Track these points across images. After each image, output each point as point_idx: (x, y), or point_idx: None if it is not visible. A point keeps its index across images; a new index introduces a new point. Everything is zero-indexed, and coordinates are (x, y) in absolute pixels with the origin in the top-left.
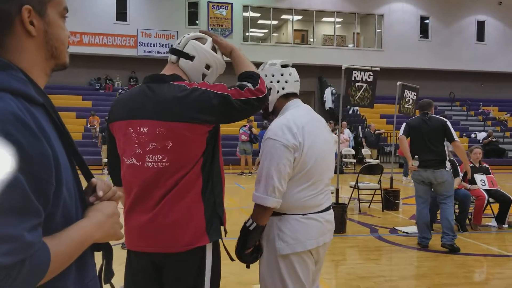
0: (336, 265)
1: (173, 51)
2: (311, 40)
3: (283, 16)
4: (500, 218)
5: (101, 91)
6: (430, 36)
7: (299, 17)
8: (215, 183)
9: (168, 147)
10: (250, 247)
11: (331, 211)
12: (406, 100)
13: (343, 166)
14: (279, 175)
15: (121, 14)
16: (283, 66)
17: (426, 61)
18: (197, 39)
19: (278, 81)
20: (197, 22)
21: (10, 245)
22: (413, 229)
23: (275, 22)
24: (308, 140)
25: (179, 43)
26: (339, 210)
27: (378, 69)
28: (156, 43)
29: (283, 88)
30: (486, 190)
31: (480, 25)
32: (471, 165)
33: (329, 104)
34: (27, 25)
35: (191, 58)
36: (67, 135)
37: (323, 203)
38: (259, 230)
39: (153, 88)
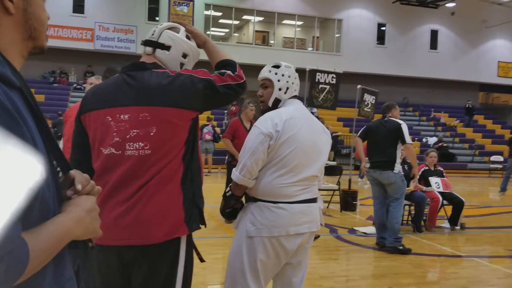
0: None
1: (148, 42)
2: (272, 41)
3: (245, 17)
4: (453, 220)
5: (54, 84)
6: (387, 43)
7: (261, 18)
8: (194, 174)
9: (152, 133)
10: (228, 209)
11: (311, 204)
12: (366, 103)
13: None
14: (252, 158)
15: (78, 7)
16: (296, 71)
17: (382, 66)
18: (170, 28)
19: (292, 83)
20: (157, 18)
21: None
22: (371, 229)
23: (236, 22)
24: (288, 131)
25: (152, 34)
26: None
27: (341, 72)
28: (114, 38)
29: (295, 90)
30: (440, 193)
31: (434, 34)
32: (427, 168)
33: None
34: (5, 1)
35: (167, 48)
36: (44, 121)
37: (297, 195)
38: (234, 198)
39: (135, 75)
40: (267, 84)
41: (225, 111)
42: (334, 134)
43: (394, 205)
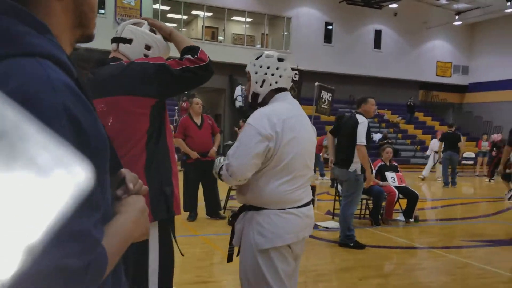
0: None
1: (112, 39)
2: (221, 38)
3: (194, 12)
4: (408, 213)
5: None
6: (334, 42)
7: (210, 14)
8: (160, 162)
9: (109, 124)
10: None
11: (311, 206)
12: (323, 100)
13: None
14: (246, 156)
15: None
16: (280, 60)
17: (329, 65)
18: (134, 24)
19: (272, 74)
20: (102, 11)
21: (80, 244)
22: (332, 224)
23: (185, 17)
24: (288, 133)
25: (117, 31)
26: None
27: (304, 69)
28: None
29: (276, 82)
30: (396, 187)
31: (378, 33)
32: (383, 163)
33: (239, 102)
34: None
35: (129, 41)
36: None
37: (302, 198)
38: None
39: (95, 72)
40: (248, 77)
41: (176, 107)
42: None
43: (344, 203)
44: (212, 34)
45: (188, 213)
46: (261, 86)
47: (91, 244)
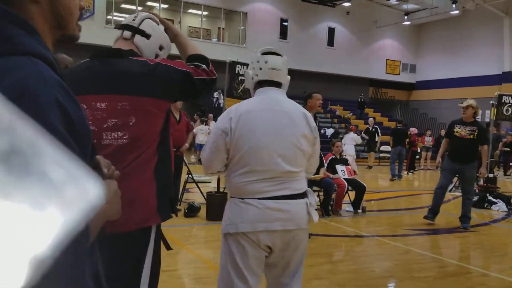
0: None
1: (127, 27)
2: None
3: (149, 3)
4: (356, 204)
5: None
6: (289, 38)
7: (166, 6)
8: (166, 163)
9: (131, 123)
10: None
11: (290, 201)
12: None
13: None
14: (209, 153)
15: None
16: (263, 53)
17: None
18: (150, 18)
19: (253, 68)
20: None
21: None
22: None
23: (140, 8)
24: (242, 127)
25: (133, 20)
26: (220, 198)
27: None
28: None
29: (256, 75)
30: (345, 179)
31: (331, 31)
32: (333, 156)
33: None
34: None
35: (147, 36)
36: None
37: (269, 191)
38: None
39: (110, 62)
40: None
41: None
42: None
43: None
44: None
45: None
46: (246, 81)
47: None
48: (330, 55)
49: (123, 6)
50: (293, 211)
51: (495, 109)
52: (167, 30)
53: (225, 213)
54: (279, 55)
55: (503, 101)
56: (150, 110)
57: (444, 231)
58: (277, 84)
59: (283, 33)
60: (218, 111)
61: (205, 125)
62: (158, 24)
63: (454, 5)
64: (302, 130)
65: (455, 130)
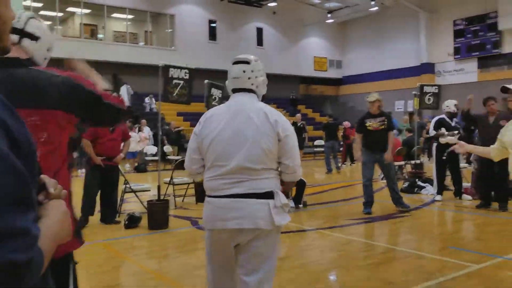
0: (173, 258)
1: (13, 30)
2: (102, 35)
3: (70, 8)
4: (297, 199)
5: None
6: (218, 39)
7: (88, 11)
8: (70, 182)
9: (42, 140)
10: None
11: (244, 200)
12: (213, 97)
13: (145, 165)
14: (187, 153)
15: None
16: (233, 63)
17: (215, 62)
18: (33, 17)
19: (232, 78)
20: None
21: (23, 239)
22: None
23: (60, 14)
24: (205, 128)
25: (18, 21)
26: (162, 206)
27: (194, 67)
28: None
29: (227, 85)
30: None
31: (259, 31)
32: None
33: (126, 102)
34: None
35: (36, 38)
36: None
37: (225, 189)
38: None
39: (10, 72)
40: None
41: None
42: (176, 129)
43: None
44: (92, 31)
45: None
46: (263, 88)
47: (32, 240)
48: (260, 55)
49: (42, 12)
50: (247, 209)
51: (418, 99)
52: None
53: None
54: (246, 62)
55: (424, 91)
56: (61, 125)
57: (380, 218)
58: (247, 89)
59: (212, 35)
60: (151, 116)
61: (139, 131)
62: (42, 23)
63: (373, 2)
64: (263, 129)
65: (367, 124)
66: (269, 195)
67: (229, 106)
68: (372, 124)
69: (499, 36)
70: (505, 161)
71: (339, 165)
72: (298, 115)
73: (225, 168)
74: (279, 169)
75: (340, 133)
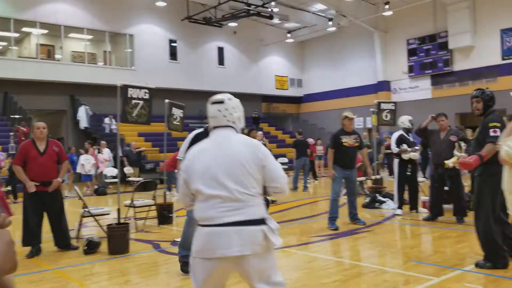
0: (135, 283)
1: None
2: (59, 56)
3: (25, 29)
4: None
5: None
6: (179, 59)
7: (45, 31)
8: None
9: None
10: None
11: (240, 228)
12: (174, 117)
13: (105, 187)
14: (180, 189)
15: None
16: (211, 103)
17: (177, 81)
18: None
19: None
20: None
21: None
22: None
23: (16, 35)
24: (196, 163)
25: None
26: (122, 230)
27: (154, 87)
28: None
29: (212, 122)
30: None
31: (221, 50)
32: None
33: (83, 123)
34: None
35: None
36: None
37: (221, 217)
38: None
39: None
40: None
41: (11, 133)
42: (137, 149)
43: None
44: (48, 52)
45: (28, 248)
46: (240, 124)
47: None
48: (222, 74)
49: None
50: (249, 236)
51: (376, 116)
52: None
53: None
54: (220, 102)
55: (381, 107)
56: None
57: (344, 234)
58: (225, 126)
59: (173, 54)
60: (111, 137)
61: (98, 152)
62: None
63: (330, 23)
64: (248, 158)
65: (343, 140)
66: (263, 221)
67: (213, 140)
68: (347, 141)
69: (449, 55)
70: (457, 175)
71: (307, 184)
72: (260, 133)
73: (220, 198)
74: (268, 190)
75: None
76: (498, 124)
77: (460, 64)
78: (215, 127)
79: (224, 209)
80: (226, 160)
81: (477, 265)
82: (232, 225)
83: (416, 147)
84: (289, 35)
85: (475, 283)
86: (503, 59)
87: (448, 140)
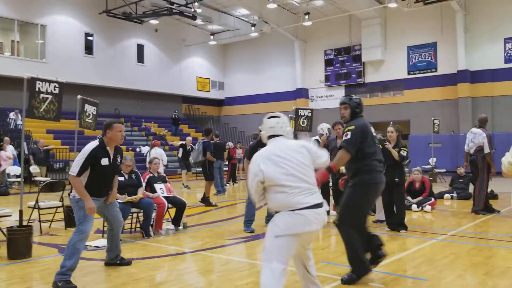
0: None
1: None
2: None
3: None
4: (176, 221)
5: None
6: (95, 53)
7: None
8: None
9: None
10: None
11: (319, 209)
12: (87, 114)
13: (8, 187)
14: (254, 190)
15: None
16: (269, 118)
17: (91, 77)
18: None
19: (264, 128)
20: None
21: None
22: (102, 242)
23: None
24: (271, 166)
25: None
26: (24, 233)
27: (64, 81)
28: None
29: (265, 133)
30: (165, 197)
31: (140, 48)
32: (152, 175)
33: None
34: None
35: None
36: None
37: (305, 202)
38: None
39: None
40: None
41: None
42: (45, 147)
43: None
44: None
45: None
46: (263, 137)
47: None
48: (141, 72)
49: None
50: (323, 214)
51: (294, 122)
52: None
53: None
54: (277, 116)
55: (299, 114)
56: None
57: (259, 237)
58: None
59: (89, 48)
60: (16, 133)
61: (1, 149)
62: None
63: (253, 28)
64: (305, 154)
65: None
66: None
67: (275, 146)
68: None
69: (362, 67)
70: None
71: (224, 186)
72: (189, 138)
73: (301, 188)
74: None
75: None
76: (353, 127)
77: (371, 76)
78: (270, 136)
79: (305, 195)
80: (293, 159)
81: (342, 280)
82: (315, 207)
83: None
84: (212, 37)
85: (377, 282)
86: (409, 74)
87: None
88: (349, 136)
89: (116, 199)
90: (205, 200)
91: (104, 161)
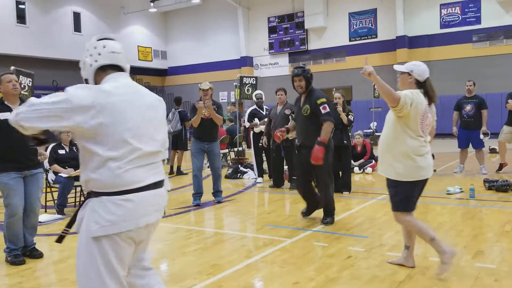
0: None
1: None
2: None
3: None
4: None
5: None
6: (28, 23)
7: None
8: None
9: None
10: None
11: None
12: (22, 86)
13: None
14: None
15: None
16: (100, 39)
17: (25, 47)
18: None
19: (91, 55)
20: None
21: None
22: (46, 217)
23: None
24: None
25: None
26: None
27: None
28: None
29: (95, 61)
30: None
31: (77, 16)
32: None
33: None
34: None
35: None
36: None
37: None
38: None
39: None
40: None
41: None
42: None
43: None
44: None
45: None
46: (84, 70)
47: None
48: (79, 41)
49: None
50: (164, 198)
51: (238, 90)
52: None
53: None
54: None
55: (244, 82)
56: None
57: (207, 205)
58: (120, 68)
59: (21, 17)
60: None
61: None
62: None
63: None
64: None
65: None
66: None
67: (126, 87)
68: (204, 112)
69: (305, 34)
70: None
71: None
72: None
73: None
74: None
75: None
76: (324, 100)
77: (314, 44)
78: (110, 67)
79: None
80: (148, 111)
81: (324, 222)
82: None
83: (266, 120)
84: (152, 4)
85: (322, 241)
86: (350, 40)
87: (283, 114)
88: (328, 109)
89: (59, 172)
90: (179, 171)
91: (4, 115)
